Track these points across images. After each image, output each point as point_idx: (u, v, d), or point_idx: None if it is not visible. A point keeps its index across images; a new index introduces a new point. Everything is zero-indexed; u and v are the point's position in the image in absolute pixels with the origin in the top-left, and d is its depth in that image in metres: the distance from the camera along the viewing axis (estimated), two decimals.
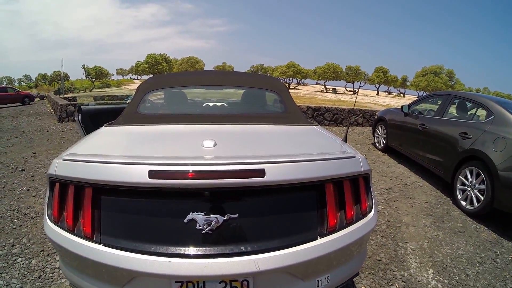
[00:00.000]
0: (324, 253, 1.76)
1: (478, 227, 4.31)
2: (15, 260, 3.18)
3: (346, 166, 1.89)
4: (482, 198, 4.37)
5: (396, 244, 3.77)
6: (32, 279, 2.93)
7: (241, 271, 1.65)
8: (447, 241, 3.88)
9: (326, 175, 1.80)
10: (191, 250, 1.69)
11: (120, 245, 1.70)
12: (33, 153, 7.03)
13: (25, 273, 3.01)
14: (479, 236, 4.06)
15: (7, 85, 44.62)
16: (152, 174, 1.62)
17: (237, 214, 1.72)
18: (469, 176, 4.69)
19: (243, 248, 1.73)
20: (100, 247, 1.71)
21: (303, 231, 1.82)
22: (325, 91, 34.86)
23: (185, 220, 1.68)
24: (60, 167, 1.84)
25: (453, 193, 5.05)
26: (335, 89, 37.25)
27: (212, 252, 1.69)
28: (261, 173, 1.65)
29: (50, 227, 1.84)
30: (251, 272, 1.65)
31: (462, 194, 4.84)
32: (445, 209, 4.83)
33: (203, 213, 1.69)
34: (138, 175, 1.64)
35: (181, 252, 1.69)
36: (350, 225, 1.87)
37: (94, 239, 1.74)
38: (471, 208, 4.57)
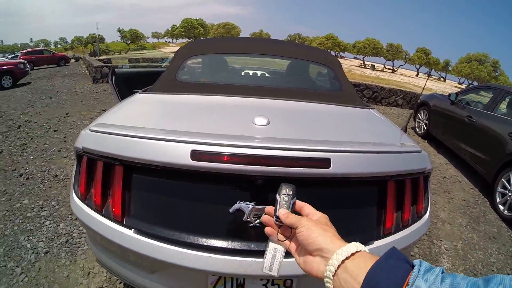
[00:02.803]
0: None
1: None
2: (43, 223, 3.13)
3: (412, 162, 1.66)
4: None
5: (431, 241, 3.62)
6: (59, 244, 2.87)
7: (288, 273, 1.44)
8: (481, 246, 3.67)
9: (392, 170, 1.57)
10: (235, 244, 1.50)
11: (153, 232, 1.52)
12: (66, 114, 7.02)
13: (53, 236, 2.95)
14: None
15: (43, 47, 45.57)
16: (195, 155, 1.40)
17: None
18: None
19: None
20: (130, 233, 1.52)
21: (359, 232, 1.61)
22: (363, 66, 33.59)
23: (231, 210, 1.47)
24: (87, 139, 1.62)
25: (492, 195, 4.70)
26: (373, 65, 35.74)
27: (259, 249, 1.48)
28: (326, 163, 1.42)
29: (77, 203, 1.65)
30: (298, 275, 1.47)
31: (502, 198, 4.48)
32: (482, 210, 4.54)
33: (252, 203, 1.46)
34: (178, 155, 1.42)
35: (223, 246, 1.49)
36: (406, 228, 1.68)
37: (124, 223, 1.55)
38: (509, 214, 4.27)
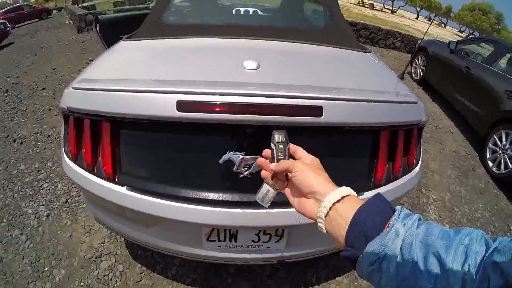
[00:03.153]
0: None
1: (498, 193, 4.00)
2: (41, 186, 3.08)
3: (408, 113, 1.59)
4: (511, 165, 4.05)
5: (419, 190, 3.64)
6: (59, 205, 2.84)
7: (279, 223, 1.48)
8: (467, 200, 3.69)
9: (387, 121, 1.51)
10: (226, 196, 1.47)
11: (145, 188, 1.50)
12: (53, 69, 6.77)
13: (52, 198, 2.92)
14: (497, 203, 3.79)
15: (22, 3, 43.57)
16: (181, 106, 1.33)
17: None
18: (503, 138, 4.26)
19: (284, 197, 1.44)
20: (123, 190, 1.51)
21: (350, 182, 1.49)
22: (361, 4, 31.16)
23: (220, 161, 1.42)
24: (71, 98, 1.52)
25: (483, 150, 4.65)
26: (372, 4, 32.90)
27: (250, 200, 1.45)
28: (318, 111, 1.35)
29: (68, 164, 1.61)
30: (290, 225, 1.51)
31: (492, 154, 4.45)
32: (471, 164, 4.52)
33: (242, 154, 1.42)
34: (164, 107, 1.35)
35: (214, 198, 1.47)
36: (396, 180, 1.66)
37: (116, 180, 1.53)
38: (497, 172, 4.24)
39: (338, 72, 1.93)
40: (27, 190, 3.04)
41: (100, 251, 2.44)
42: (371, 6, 31.72)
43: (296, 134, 1.42)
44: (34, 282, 2.29)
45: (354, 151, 1.59)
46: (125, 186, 1.50)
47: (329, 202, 0.67)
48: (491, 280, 0.47)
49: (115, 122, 1.47)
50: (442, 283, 0.51)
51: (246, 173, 1.43)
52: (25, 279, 2.31)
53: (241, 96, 1.32)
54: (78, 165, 1.58)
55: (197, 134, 1.44)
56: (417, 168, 1.75)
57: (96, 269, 2.33)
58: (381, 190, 1.58)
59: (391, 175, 1.64)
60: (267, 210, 1.43)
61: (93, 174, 1.54)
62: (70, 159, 1.61)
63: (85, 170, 1.56)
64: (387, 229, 0.58)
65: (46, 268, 2.36)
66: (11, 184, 3.13)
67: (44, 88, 5.62)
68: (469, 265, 0.50)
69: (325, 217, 0.67)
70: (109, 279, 2.27)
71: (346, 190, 0.70)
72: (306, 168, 0.76)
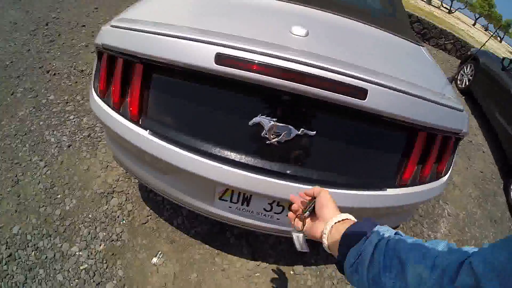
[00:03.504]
0: (386, 206, 1.55)
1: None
2: (67, 117, 3.14)
3: (451, 119, 1.52)
4: None
5: (437, 200, 3.54)
6: (82, 138, 2.89)
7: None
8: (480, 224, 3.54)
9: (429, 121, 1.43)
10: (248, 159, 1.44)
11: (168, 136, 1.49)
12: (95, 8, 6.75)
13: (76, 131, 2.98)
14: None
15: None
16: (220, 59, 1.29)
17: (315, 132, 1.37)
18: None
19: (307, 174, 1.45)
20: (145, 134, 1.48)
21: (376, 175, 1.56)
22: None
23: (250, 123, 1.39)
24: (108, 35, 1.51)
25: (508, 179, 4.40)
26: None
27: (272, 168, 1.43)
28: (363, 94, 1.29)
29: (95, 100, 1.61)
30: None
31: None
32: (494, 190, 4.25)
33: (274, 120, 1.37)
34: (201, 57, 1.31)
35: (235, 159, 1.44)
36: (421, 185, 1.60)
37: (140, 123, 1.51)
38: None
39: (388, 59, 1.82)
40: (52, 119, 3.10)
41: (113, 188, 2.48)
42: (429, 1, 30.13)
43: (333, 114, 1.39)
44: (45, 207, 2.36)
45: (387, 145, 1.53)
46: (148, 131, 1.48)
47: (332, 222, 0.85)
48: (460, 280, 0.52)
49: (148, 65, 1.44)
50: (402, 281, 0.60)
51: (273, 140, 1.39)
52: (37, 203, 2.38)
53: (284, 61, 1.26)
54: (105, 102, 1.58)
55: (231, 90, 1.40)
56: (445, 178, 1.68)
57: (106, 205, 2.38)
58: (404, 190, 1.54)
59: (418, 178, 1.58)
60: (288, 183, 1.41)
61: (118, 114, 1.54)
62: (98, 95, 1.61)
63: (111, 108, 1.56)
64: (364, 239, 0.73)
65: (59, 196, 2.43)
66: (38, 112, 3.19)
67: (83, 26, 5.64)
68: (426, 265, 0.58)
69: (328, 233, 0.84)
70: (116, 216, 2.32)
71: (346, 215, 0.86)
72: (329, 201, 0.93)
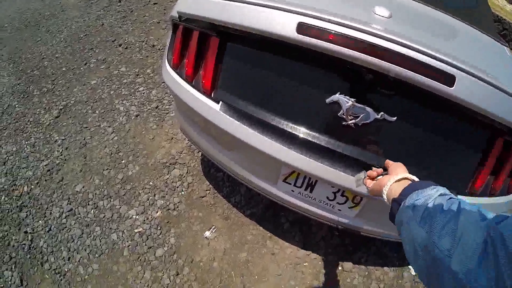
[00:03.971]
0: None
1: None
2: (137, 89, 3.25)
3: None
4: None
5: None
6: (150, 109, 2.98)
7: (363, 191, 1.29)
8: None
9: None
10: (321, 141, 1.37)
11: (240, 109, 1.47)
12: None
13: (144, 102, 3.07)
14: None
15: None
16: (302, 29, 1.22)
17: (395, 118, 1.29)
18: None
19: (379, 163, 1.33)
20: (217, 107, 1.48)
21: (446, 178, 1.42)
22: None
23: (327, 101, 1.32)
24: (185, 3, 1.51)
25: None
26: None
27: (344, 152, 1.36)
28: (450, 80, 1.18)
29: (168, 72, 1.62)
30: (371, 196, 1.32)
31: None
32: None
33: (353, 100, 1.29)
34: (283, 25, 1.25)
35: (306, 139, 1.38)
36: (492, 197, 1.46)
37: (212, 96, 1.51)
38: None
39: (472, 52, 1.70)
40: (123, 90, 3.23)
41: (176, 159, 2.55)
42: (510, 0, 28.10)
43: (415, 100, 1.31)
44: (109, 170, 2.48)
45: (464, 144, 1.40)
46: (220, 103, 1.48)
47: (393, 179, 0.92)
48: (496, 247, 0.51)
49: (224, 36, 1.43)
50: (454, 223, 0.60)
51: (350, 122, 1.32)
52: (102, 166, 2.51)
53: (370, 35, 1.19)
54: (178, 74, 1.59)
55: (310, 64, 1.35)
56: None
57: (167, 174, 2.46)
58: (472, 200, 1.42)
59: (489, 189, 1.46)
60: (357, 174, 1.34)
61: (191, 85, 1.54)
62: (171, 67, 1.62)
63: (184, 80, 1.57)
64: (419, 192, 0.76)
65: (123, 161, 2.54)
66: (110, 82, 3.35)
67: (155, 3, 5.78)
68: (480, 227, 0.56)
69: (388, 188, 0.92)
70: (176, 186, 2.38)
71: (404, 174, 0.93)
72: (399, 167, 1.01)
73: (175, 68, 1.61)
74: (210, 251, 2.14)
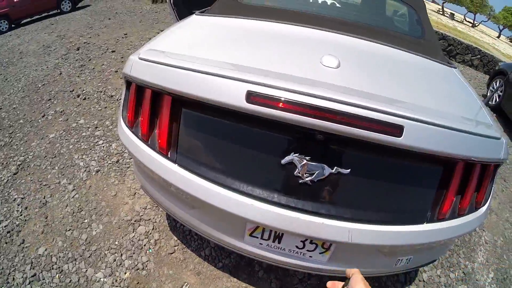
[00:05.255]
0: (424, 242, 1.47)
1: None
2: (96, 142, 3.18)
3: (489, 149, 1.44)
4: None
5: None
6: (110, 163, 2.91)
7: (331, 237, 1.39)
8: None
9: (467, 154, 1.37)
10: (280, 198, 1.39)
11: (197, 171, 1.45)
12: (125, 34, 6.98)
13: (105, 156, 3.00)
14: None
15: None
16: (251, 98, 1.26)
17: (349, 171, 1.35)
18: None
19: (340, 212, 1.40)
20: (174, 167, 1.47)
21: (413, 210, 1.49)
22: (441, 13, 29.28)
23: (282, 161, 1.35)
24: (136, 67, 1.50)
25: None
26: (453, 14, 30.93)
27: (305, 207, 1.39)
28: (399, 131, 1.23)
29: (124, 130, 1.59)
30: (341, 242, 1.40)
31: None
32: None
33: (307, 158, 1.34)
34: (232, 95, 1.28)
35: (267, 198, 1.39)
36: (461, 217, 1.52)
37: (168, 156, 1.50)
38: None
39: (422, 86, 1.77)
40: (82, 144, 3.14)
41: (140, 215, 2.47)
42: (451, 16, 30.01)
43: (367, 151, 1.35)
44: (72, 230, 2.37)
45: (425, 179, 1.47)
46: (177, 164, 1.46)
47: None
48: None
49: (177, 99, 1.42)
50: None
51: (306, 179, 1.34)
52: (64, 226, 2.40)
53: (316, 98, 1.22)
54: (133, 133, 1.56)
55: (262, 128, 1.36)
56: (485, 207, 1.59)
57: (133, 232, 2.37)
58: (443, 225, 1.47)
59: (457, 211, 1.51)
60: (322, 221, 1.37)
61: (147, 145, 1.52)
62: (126, 125, 1.59)
63: (139, 139, 1.54)
64: None
65: (86, 220, 2.44)
66: (69, 135, 3.26)
67: (113, 51, 5.80)
68: None
69: None
70: (143, 244, 2.30)
71: None
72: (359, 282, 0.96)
73: (131, 126, 1.58)
74: None
